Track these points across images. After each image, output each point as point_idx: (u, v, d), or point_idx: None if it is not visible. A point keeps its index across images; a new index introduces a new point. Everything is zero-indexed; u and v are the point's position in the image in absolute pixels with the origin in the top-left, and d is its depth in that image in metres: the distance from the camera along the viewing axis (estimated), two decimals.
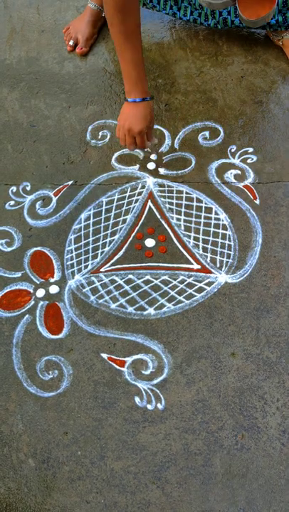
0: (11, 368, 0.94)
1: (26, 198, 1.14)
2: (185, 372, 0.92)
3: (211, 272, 1.01)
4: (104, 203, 1.11)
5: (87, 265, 1.04)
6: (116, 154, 1.18)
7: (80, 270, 1.03)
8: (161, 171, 1.14)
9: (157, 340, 0.95)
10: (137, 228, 1.07)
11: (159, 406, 0.89)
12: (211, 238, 1.05)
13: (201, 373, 0.91)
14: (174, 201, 1.10)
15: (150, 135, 1.07)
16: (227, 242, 1.04)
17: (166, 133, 1.20)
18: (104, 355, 0.94)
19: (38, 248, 1.07)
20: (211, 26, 1.25)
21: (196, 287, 0.99)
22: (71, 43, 1.36)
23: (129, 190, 1.12)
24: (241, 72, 1.28)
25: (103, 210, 1.10)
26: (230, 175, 1.12)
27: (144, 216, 1.09)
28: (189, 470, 0.84)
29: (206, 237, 1.05)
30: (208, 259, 1.02)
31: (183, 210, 1.08)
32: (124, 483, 0.84)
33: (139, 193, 1.12)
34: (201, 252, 1.03)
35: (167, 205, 1.09)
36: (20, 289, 1.02)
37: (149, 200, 1.10)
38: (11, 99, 1.30)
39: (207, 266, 1.02)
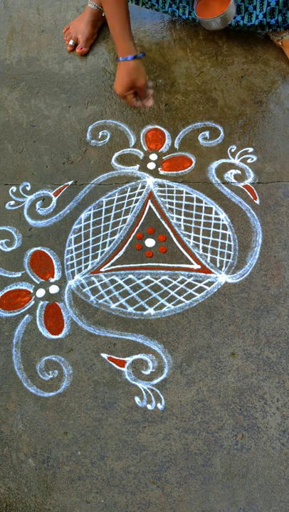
0: (11, 368, 0.94)
1: (26, 198, 1.14)
2: (185, 372, 0.92)
3: (211, 272, 1.01)
4: (104, 202, 1.11)
5: (87, 265, 1.04)
6: (116, 154, 1.18)
7: (80, 270, 1.03)
8: (161, 171, 1.14)
9: (157, 340, 0.95)
10: (137, 228, 1.07)
11: (159, 406, 0.89)
12: (211, 238, 1.05)
13: (201, 373, 0.91)
14: (174, 201, 1.10)
15: (142, 95, 1.08)
16: (227, 242, 1.04)
17: (166, 133, 1.20)
18: (104, 355, 0.94)
19: (38, 248, 1.07)
20: None
21: (196, 287, 0.99)
22: (71, 42, 1.36)
23: (129, 190, 1.12)
24: (241, 72, 1.28)
25: (103, 210, 1.10)
26: (230, 175, 1.12)
27: (144, 216, 1.09)
28: (189, 470, 0.84)
29: (206, 237, 1.05)
30: (208, 259, 1.02)
31: (183, 210, 1.08)
32: (124, 483, 0.84)
33: (139, 193, 1.12)
34: (201, 252, 1.03)
35: (167, 205, 1.09)
36: (20, 289, 1.02)
37: (149, 200, 1.10)
38: (11, 99, 1.30)
39: (207, 266, 1.02)
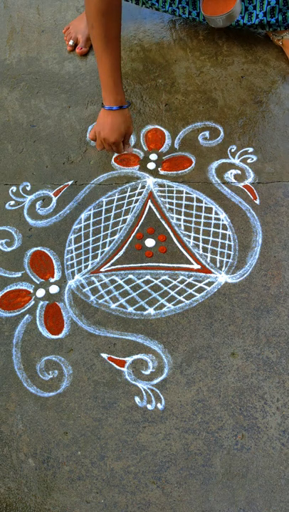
0: (11, 368, 0.94)
1: (26, 198, 1.14)
2: (185, 372, 0.92)
3: (211, 272, 1.01)
4: (104, 202, 1.11)
5: (87, 265, 1.04)
6: (116, 154, 1.18)
7: (80, 270, 1.03)
8: (161, 171, 1.14)
9: (157, 340, 0.95)
10: (137, 228, 1.07)
11: (159, 406, 0.89)
12: (211, 238, 1.05)
13: (201, 373, 0.91)
14: (174, 201, 1.10)
15: (126, 142, 1.07)
16: (227, 242, 1.04)
17: (166, 133, 1.20)
18: (104, 355, 0.94)
19: (38, 248, 1.07)
20: None
21: (196, 287, 0.99)
22: (71, 42, 1.36)
23: (129, 190, 1.12)
24: (241, 72, 1.28)
25: (103, 210, 1.10)
26: (230, 175, 1.12)
27: (144, 216, 1.09)
28: (189, 470, 0.84)
29: (206, 237, 1.05)
30: (208, 259, 1.02)
31: (183, 210, 1.08)
32: (124, 483, 0.84)
33: (139, 193, 1.12)
34: (201, 252, 1.03)
35: (167, 205, 1.09)
36: (20, 289, 1.02)
37: (149, 200, 1.10)
38: (11, 99, 1.30)
39: (207, 266, 1.02)
